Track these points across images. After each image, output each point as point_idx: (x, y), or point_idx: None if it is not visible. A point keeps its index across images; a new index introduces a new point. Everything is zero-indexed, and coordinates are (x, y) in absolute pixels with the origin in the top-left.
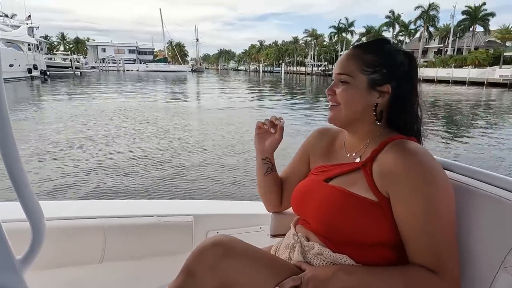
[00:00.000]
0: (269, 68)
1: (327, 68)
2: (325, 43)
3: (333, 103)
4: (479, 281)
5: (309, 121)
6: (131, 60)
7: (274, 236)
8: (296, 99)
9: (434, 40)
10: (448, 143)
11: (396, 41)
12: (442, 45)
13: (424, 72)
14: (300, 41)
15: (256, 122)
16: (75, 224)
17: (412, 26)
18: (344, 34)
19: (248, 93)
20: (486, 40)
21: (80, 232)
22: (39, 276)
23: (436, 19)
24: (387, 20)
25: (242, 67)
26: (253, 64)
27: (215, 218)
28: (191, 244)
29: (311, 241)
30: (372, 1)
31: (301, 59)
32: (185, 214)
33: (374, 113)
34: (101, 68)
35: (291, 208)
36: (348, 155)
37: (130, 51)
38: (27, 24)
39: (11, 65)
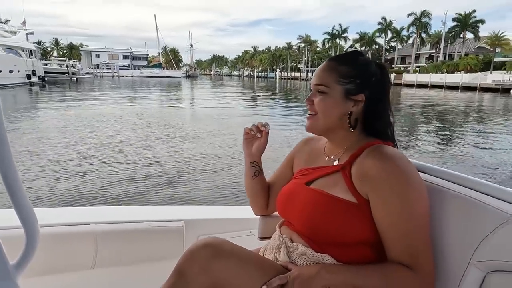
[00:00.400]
0: (263, 74)
1: None
2: (318, 48)
3: (311, 112)
4: (451, 275)
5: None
6: (125, 66)
7: (262, 238)
8: (292, 106)
9: (426, 46)
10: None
11: (388, 47)
12: (433, 51)
13: (418, 77)
14: (294, 47)
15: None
16: (67, 230)
17: (405, 33)
18: (337, 40)
19: (251, 100)
20: (476, 46)
21: (72, 238)
22: (31, 283)
23: (428, 25)
24: (379, 26)
25: (235, 73)
26: (247, 70)
27: (206, 223)
28: (182, 249)
29: (295, 242)
30: (361, 8)
31: (294, 64)
32: (176, 219)
33: (348, 121)
34: (95, 73)
35: (277, 212)
36: (327, 158)
37: (124, 57)
38: (26, 30)
39: (11, 71)
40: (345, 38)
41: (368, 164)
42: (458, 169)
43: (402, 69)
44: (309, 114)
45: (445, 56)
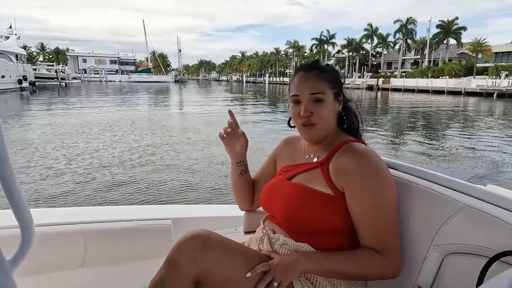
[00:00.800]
0: (251, 79)
1: None
2: (306, 54)
3: (311, 123)
4: (415, 258)
5: None
6: (113, 71)
7: (247, 233)
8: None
9: (411, 52)
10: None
11: (374, 52)
12: (418, 57)
13: (405, 82)
14: (282, 52)
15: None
16: (56, 230)
17: (391, 39)
18: (325, 46)
19: (254, 106)
20: (459, 52)
21: (61, 237)
22: (20, 282)
23: (414, 32)
24: (365, 32)
25: (224, 78)
26: (235, 75)
27: (193, 221)
28: (170, 247)
29: (277, 233)
30: (345, 14)
31: (282, 69)
32: (164, 218)
33: (340, 121)
34: (82, 78)
35: (261, 207)
36: (307, 156)
37: (112, 62)
38: (16, 35)
39: (2, 76)
40: (333, 44)
41: (343, 160)
42: (445, 165)
43: (388, 74)
44: (309, 124)
45: (430, 61)
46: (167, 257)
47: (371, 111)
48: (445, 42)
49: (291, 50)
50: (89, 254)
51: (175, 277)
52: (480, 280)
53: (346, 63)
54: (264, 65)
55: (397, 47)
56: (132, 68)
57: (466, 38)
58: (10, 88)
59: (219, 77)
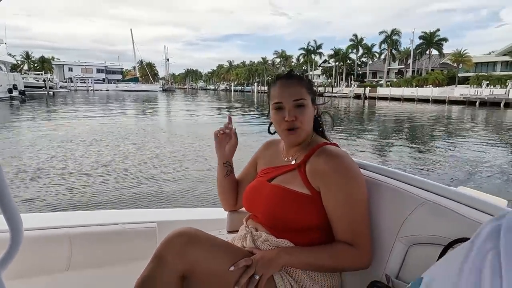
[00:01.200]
0: (239, 88)
1: None
2: (293, 63)
3: (294, 127)
4: (384, 249)
5: None
6: (100, 80)
7: (230, 232)
8: None
9: (395, 61)
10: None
11: (360, 62)
12: (402, 66)
13: (391, 91)
14: (269, 62)
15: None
16: (41, 234)
17: (376, 49)
18: (313, 56)
19: (250, 114)
20: (441, 62)
21: (46, 241)
22: (5, 286)
23: (398, 43)
24: (350, 42)
25: (211, 87)
26: (222, 84)
27: (178, 224)
28: (154, 250)
29: (259, 231)
30: (329, 24)
31: (269, 78)
32: (149, 221)
33: (316, 124)
34: (69, 87)
35: (243, 208)
36: (286, 159)
37: (99, 71)
38: (6, 44)
39: None
40: (320, 54)
41: (319, 162)
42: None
43: (373, 83)
44: (294, 128)
45: (413, 71)
46: (154, 253)
47: (360, 119)
48: (427, 52)
49: (278, 60)
50: (75, 258)
51: (163, 272)
52: None
53: (333, 73)
54: (251, 74)
55: (382, 57)
56: (119, 77)
57: (447, 49)
58: (0, 98)
59: (206, 86)
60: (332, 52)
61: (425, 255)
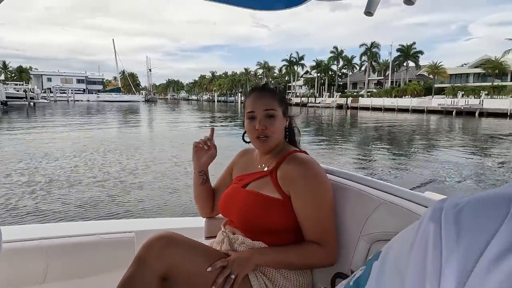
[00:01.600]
0: (222, 98)
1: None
2: (275, 74)
3: (265, 136)
4: (348, 247)
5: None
6: (80, 90)
7: (207, 238)
8: None
9: (375, 73)
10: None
11: (340, 73)
12: (382, 78)
13: (372, 101)
14: (251, 72)
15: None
16: (16, 246)
17: (357, 61)
18: (295, 67)
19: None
20: (417, 74)
21: (21, 254)
22: None
23: (378, 55)
24: (332, 54)
25: (193, 97)
26: (205, 94)
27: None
28: (132, 260)
29: (236, 235)
30: (307, 36)
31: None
32: (127, 231)
33: (285, 134)
34: (48, 98)
35: (220, 214)
36: (259, 166)
37: (79, 81)
38: None
39: None
40: (302, 65)
41: (289, 168)
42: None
43: (354, 93)
44: (264, 137)
45: (392, 82)
46: (136, 256)
47: (345, 128)
48: (405, 64)
49: (261, 71)
50: (51, 270)
51: (144, 273)
52: None
53: (316, 83)
54: (234, 85)
55: (362, 68)
56: (100, 87)
57: (422, 61)
58: None
59: (188, 96)
60: (314, 64)
61: None
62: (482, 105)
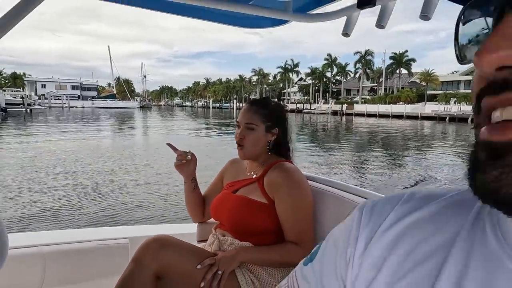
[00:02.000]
0: (217, 105)
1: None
2: (269, 81)
3: (242, 144)
4: None
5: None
6: (75, 97)
7: (199, 241)
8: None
9: (368, 80)
10: None
11: (334, 80)
12: (375, 84)
13: (367, 108)
14: (246, 79)
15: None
16: (14, 253)
17: (352, 68)
18: (290, 74)
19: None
20: (410, 81)
21: (19, 260)
22: None
23: (372, 62)
24: (325, 62)
25: (188, 103)
26: (200, 101)
27: None
28: (127, 265)
29: (226, 236)
30: (299, 43)
31: (247, 95)
32: (121, 237)
33: (268, 147)
34: (43, 104)
35: (211, 219)
36: (248, 173)
37: (73, 87)
38: None
39: None
40: (297, 72)
41: (274, 175)
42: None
43: (348, 100)
44: (240, 145)
45: (385, 89)
46: (133, 257)
47: (341, 134)
48: (397, 71)
49: (255, 78)
50: (48, 276)
51: (140, 273)
52: None
53: (311, 90)
54: (229, 91)
55: (356, 75)
56: (94, 93)
57: (414, 68)
58: None
59: (182, 103)
60: (309, 71)
61: None
62: None
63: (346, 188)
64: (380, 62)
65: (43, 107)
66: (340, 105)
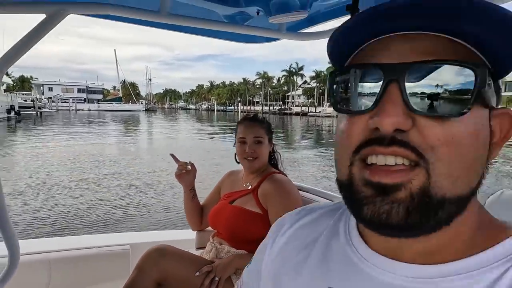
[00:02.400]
0: (221, 108)
1: (282, 107)
2: (273, 84)
3: (253, 157)
4: None
5: None
6: (81, 100)
7: (198, 248)
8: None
9: None
10: None
11: None
12: None
13: None
14: (250, 82)
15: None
16: (22, 260)
17: None
18: (294, 77)
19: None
20: None
21: (26, 267)
22: None
23: None
24: (329, 65)
25: (192, 106)
26: (204, 103)
27: (149, 246)
28: (129, 270)
29: (223, 245)
30: (299, 47)
31: (251, 98)
32: (123, 243)
33: (270, 158)
34: (50, 107)
35: (209, 227)
36: (244, 184)
37: (80, 90)
38: None
39: None
40: (302, 75)
41: (267, 186)
42: None
43: None
44: (252, 158)
45: None
46: (136, 265)
47: None
48: None
49: (259, 81)
50: (53, 281)
51: (142, 280)
52: None
53: (315, 93)
54: (233, 94)
55: None
56: (100, 96)
57: None
58: (0, 118)
59: (186, 106)
60: (314, 74)
61: None
62: None
63: (334, 198)
64: None
65: (52, 110)
66: None
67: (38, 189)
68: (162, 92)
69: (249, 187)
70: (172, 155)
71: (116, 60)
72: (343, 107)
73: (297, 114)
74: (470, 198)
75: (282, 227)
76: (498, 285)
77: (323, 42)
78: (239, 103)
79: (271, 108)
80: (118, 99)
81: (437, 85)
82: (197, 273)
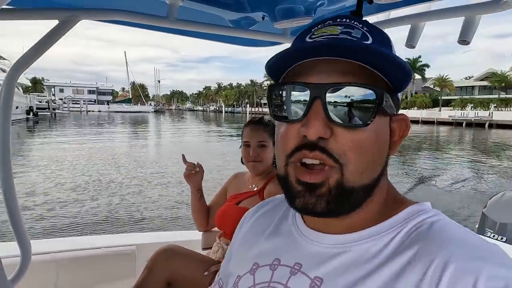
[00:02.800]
0: (229, 109)
1: None
2: None
3: (257, 161)
4: None
5: None
6: (91, 101)
7: (204, 249)
8: None
9: None
10: None
11: None
12: None
13: None
14: (257, 84)
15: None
16: (31, 259)
17: None
18: None
19: None
20: (423, 86)
21: (34, 267)
22: None
23: None
24: None
25: (199, 108)
26: (212, 105)
27: (155, 246)
28: (134, 270)
29: (229, 245)
30: None
31: (258, 100)
32: (129, 244)
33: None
34: (62, 108)
35: (215, 228)
36: (250, 186)
37: (90, 92)
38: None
39: (16, 107)
40: None
41: (272, 188)
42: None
43: None
44: (256, 162)
45: None
46: (146, 265)
47: None
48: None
49: (267, 82)
50: (61, 281)
51: (152, 280)
52: None
53: None
54: (241, 96)
55: None
56: (110, 98)
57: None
58: (19, 119)
59: (194, 107)
60: None
61: None
62: (492, 117)
63: None
64: None
65: (65, 111)
66: None
67: (97, 186)
68: (169, 93)
69: (255, 189)
70: (182, 155)
71: (126, 62)
72: (279, 115)
73: None
74: (375, 185)
75: (246, 218)
76: (389, 245)
77: None
78: (247, 105)
79: None
80: (128, 101)
81: (350, 100)
82: (206, 273)
